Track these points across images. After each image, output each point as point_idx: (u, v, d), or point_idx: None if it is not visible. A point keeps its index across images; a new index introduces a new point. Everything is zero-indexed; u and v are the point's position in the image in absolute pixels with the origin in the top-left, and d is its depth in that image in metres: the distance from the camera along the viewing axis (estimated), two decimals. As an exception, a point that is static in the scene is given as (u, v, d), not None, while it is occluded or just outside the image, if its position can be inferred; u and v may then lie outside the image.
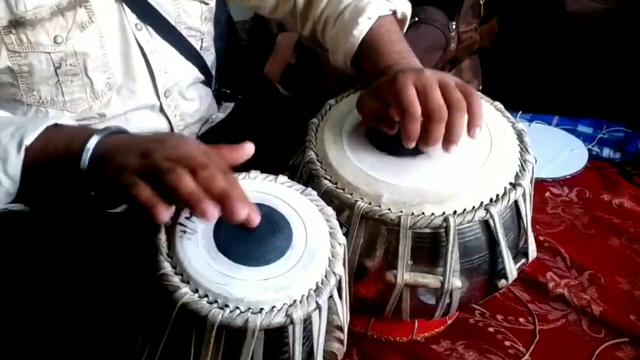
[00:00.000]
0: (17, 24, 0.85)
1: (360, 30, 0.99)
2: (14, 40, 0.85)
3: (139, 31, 0.95)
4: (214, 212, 0.63)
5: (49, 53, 0.87)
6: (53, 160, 0.72)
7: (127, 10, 0.94)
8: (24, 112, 0.90)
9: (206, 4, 1.05)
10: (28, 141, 0.72)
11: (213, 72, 1.13)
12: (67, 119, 0.92)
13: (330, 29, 1.04)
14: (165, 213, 0.63)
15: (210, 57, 1.11)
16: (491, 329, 1.03)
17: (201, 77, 1.09)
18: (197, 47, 1.06)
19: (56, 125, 0.75)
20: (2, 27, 0.84)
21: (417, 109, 0.78)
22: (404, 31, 1.06)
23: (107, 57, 0.92)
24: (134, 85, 0.97)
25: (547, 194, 1.31)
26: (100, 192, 0.72)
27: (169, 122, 1.03)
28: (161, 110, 1.02)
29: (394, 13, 1.03)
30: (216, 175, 0.64)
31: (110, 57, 0.93)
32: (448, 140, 0.79)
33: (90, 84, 0.92)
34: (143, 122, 0.99)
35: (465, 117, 0.80)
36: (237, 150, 0.70)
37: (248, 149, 0.70)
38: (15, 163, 0.72)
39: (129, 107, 0.97)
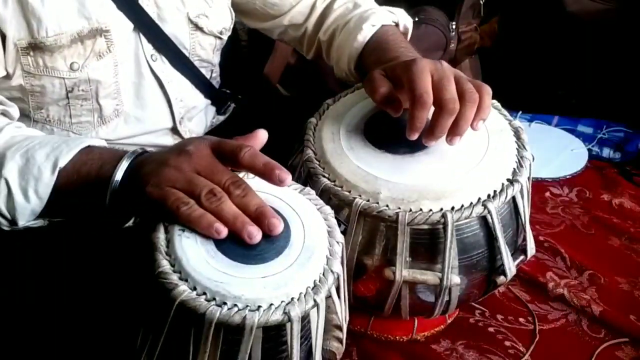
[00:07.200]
0: (35, 47, 0.86)
1: (365, 35, 1.00)
2: (31, 62, 0.86)
3: (154, 62, 0.97)
4: (258, 234, 0.65)
5: (63, 78, 0.88)
6: (85, 183, 0.74)
7: (144, 40, 0.95)
8: (30, 127, 0.91)
9: (220, 38, 1.06)
10: (62, 163, 0.74)
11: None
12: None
13: (336, 40, 1.06)
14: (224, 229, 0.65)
15: (217, 86, 1.13)
16: (491, 329, 1.02)
17: (209, 103, 1.11)
18: (207, 76, 1.08)
19: (89, 147, 0.76)
20: (21, 47, 0.85)
21: (430, 97, 0.76)
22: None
23: (118, 84, 0.94)
24: (142, 113, 0.98)
25: (547, 194, 1.31)
26: (131, 210, 0.73)
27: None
28: (175, 132, 1.04)
29: (397, 25, 1.04)
30: (250, 192, 0.66)
31: (121, 85, 0.94)
32: (454, 133, 0.78)
33: (99, 110, 0.93)
34: (149, 142, 1.01)
35: (474, 111, 0.78)
36: (251, 139, 0.70)
37: (262, 137, 0.71)
38: (47, 183, 0.74)
39: (133, 132, 0.99)
